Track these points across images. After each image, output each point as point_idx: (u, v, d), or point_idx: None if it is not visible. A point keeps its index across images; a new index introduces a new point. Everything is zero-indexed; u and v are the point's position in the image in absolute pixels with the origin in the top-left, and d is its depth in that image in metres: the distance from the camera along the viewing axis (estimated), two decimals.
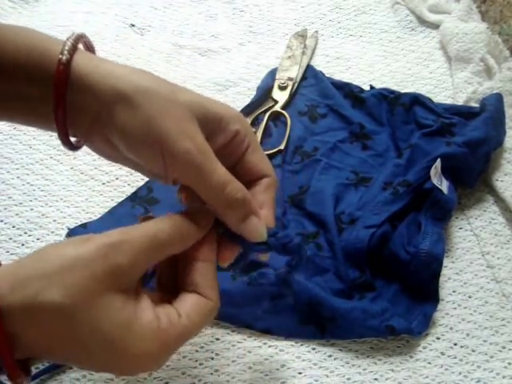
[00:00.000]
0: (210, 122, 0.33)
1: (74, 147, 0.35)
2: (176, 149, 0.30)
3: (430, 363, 0.45)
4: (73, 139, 0.35)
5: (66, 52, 0.30)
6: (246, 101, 0.62)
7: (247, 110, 0.61)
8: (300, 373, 0.44)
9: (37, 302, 0.25)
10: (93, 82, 0.30)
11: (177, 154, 0.30)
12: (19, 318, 0.25)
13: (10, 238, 0.51)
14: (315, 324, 0.46)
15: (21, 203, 0.53)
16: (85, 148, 0.58)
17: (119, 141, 0.31)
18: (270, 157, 0.57)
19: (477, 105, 0.61)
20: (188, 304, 0.31)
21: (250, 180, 0.35)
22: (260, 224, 0.33)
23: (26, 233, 0.51)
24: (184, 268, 0.33)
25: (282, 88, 0.63)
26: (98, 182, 0.56)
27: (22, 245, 0.50)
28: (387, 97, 0.62)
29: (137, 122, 0.30)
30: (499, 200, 0.55)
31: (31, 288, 0.25)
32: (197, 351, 0.45)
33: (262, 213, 0.34)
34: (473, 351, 0.45)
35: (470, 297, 0.49)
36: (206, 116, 0.33)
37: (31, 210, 0.53)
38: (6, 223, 0.52)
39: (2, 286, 0.25)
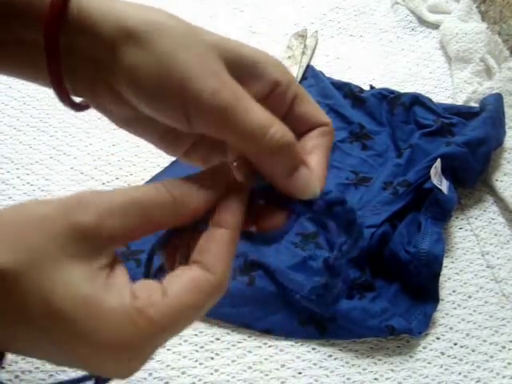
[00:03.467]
0: (241, 67, 0.26)
1: (76, 106, 0.28)
2: (200, 89, 0.24)
3: (429, 363, 0.45)
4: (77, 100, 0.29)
5: None
6: None
7: None
8: (300, 373, 0.44)
9: None
10: (92, 21, 0.24)
11: (201, 96, 0.24)
12: None
13: None
14: (315, 324, 0.46)
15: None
16: (84, 148, 0.59)
17: (127, 89, 0.25)
18: None
19: (477, 105, 0.61)
20: (181, 280, 0.23)
21: (301, 133, 0.28)
22: (311, 176, 0.26)
23: None
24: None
25: None
26: (98, 182, 0.56)
27: None
28: (387, 97, 0.62)
29: (148, 62, 0.24)
30: (499, 200, 0.55)
31: None
32: (197, 351, 0.45)
33: (313, 161, 0.27)
34: (473, 351, 0.46)
35: (469, 297, 0.49)
36: (234, 59, 0.26)
37: None
38: None
39: None
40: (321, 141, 0.28)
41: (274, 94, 0.27)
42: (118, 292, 0.22)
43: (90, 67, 0.26)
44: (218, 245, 0.25)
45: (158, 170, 0.57)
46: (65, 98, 0.27)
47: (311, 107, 0.28)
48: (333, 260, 0.29)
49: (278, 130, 0.25)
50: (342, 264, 0.29)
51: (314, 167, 0.27)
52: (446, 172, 0.52)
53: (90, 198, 0.23)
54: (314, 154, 0.27)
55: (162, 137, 0.29)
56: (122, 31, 0.24)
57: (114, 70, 0.25)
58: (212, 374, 0.44)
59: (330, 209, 0.25)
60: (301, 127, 0.28)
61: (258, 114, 0.25)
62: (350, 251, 0.29)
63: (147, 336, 0.22)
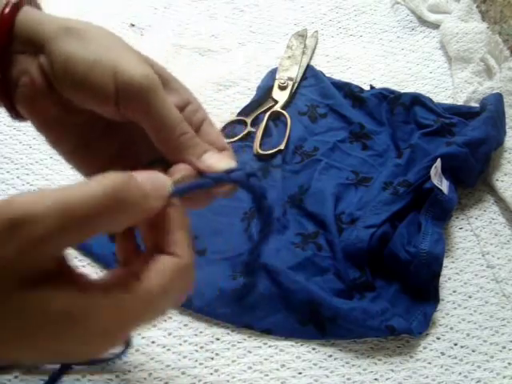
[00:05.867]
0: (160, 77, 0.30)
1: (18, 115, 0.31)
2: (132, 73, 0.27)
3: (430, 363, 0.45)
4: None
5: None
6: (246, 101, 0.62)
7: (247, 110, 0.61)
8: (300, 373, 0.44)
9: None
10: (34, 26, 0.28)
11: (133, 78, 0.27)
12: None
13: None
14: (315, 324, 0.46)
15: None
16: None
17: (63, 75, 0.27)
18: (270, 157, 0.57)
19: (477, 105, 0.61)
20: (150, 266, 0.25)
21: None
22: (219, 154, 0.30)
23: None
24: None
25: (282, 88, 0.63)
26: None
27: None
28: (387, 97, 0.62)
29: (85, 49, 0.27)
30: (499, 200, 0.55)
31: None
32: (197, 351, 0.45)
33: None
34: (473, 351, 0.45)
35: (470, 297, 0.49)
36: (154, 68, 0.30)
37: None
38: None
39: None
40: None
41: (186, 111, 0.31)
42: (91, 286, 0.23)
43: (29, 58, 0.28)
44: (177, 233, 0.26)
45: None
46: (8, 105, 0.30)
47: (216, 131, 0.32)
48: (248, 256, 0.33)
49: (186, 125, 0.29)
50: (256, 258, 0.33)
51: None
52: (446, 172, 0.52)
53: (23, 220, 0.20)
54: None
55: (75, 148, 0.32)
56: (62, 28, 0.28)
57: (50, 56, 0.28)
58: (212, 374, 0.44)
59: (248, 179, 0.29)
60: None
61: (175, 109, 0.29)
62: (264, 238, 0.31)
63: (126, 321, 0.24)
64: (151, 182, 0.25)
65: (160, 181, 0.26)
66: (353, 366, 0.45)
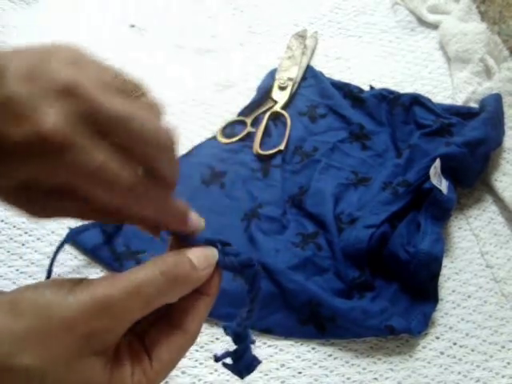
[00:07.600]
0: None
1: None
2: None
3: (429, 363, 0.45)
4: None
5: None
6: (246, 101, 0.62)
7: (247, 111, 0.61)
8: (300, 372, 0.44)
9: (7, 364, 0.23)
10: None
11: None
12: None
13: (11, 238, 0.51)
14: (315, 324, 0.46)
15: None
16: None
17: None
18: (270, 157, 0.57)
19: (476, 105, 0.61)
20: (161, 343, 0.28)
21: None
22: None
23: (26, 233, 0.51)
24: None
25: (282, 88, 0.63)
26: None
27: (23, 245, 0.50)
28: (387, 97, 0.62)
29: None
30: (498, 200, 0.55)
31: (3, 348, 0.23)
32: (197, 351, 0.45)
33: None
34: (472, 351, 0.46)
35: (469, 296, 0.49)
36: None
37: None
38: (6, 223, 0.52)
39: None
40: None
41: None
42: (122, 378, 0.26)
43: None
44: (199, 311, 0.29)
45: None
46: None
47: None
48: (236, 327, 0.33)
49: None
50: (246, 327, 0.33)
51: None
52: (445, 172, 0.52)
53: (109, 301, 0.25)
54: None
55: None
56: None
57: None
58: (212, 373, 0.44)
59: (242, 270, 0.31)
60: None
61: None
62: (250, 317, 0.33)
63: None
64: (202, 258, 0.29)
65: (210, 255, 0.30)
66: (352, 365, 0.45)
